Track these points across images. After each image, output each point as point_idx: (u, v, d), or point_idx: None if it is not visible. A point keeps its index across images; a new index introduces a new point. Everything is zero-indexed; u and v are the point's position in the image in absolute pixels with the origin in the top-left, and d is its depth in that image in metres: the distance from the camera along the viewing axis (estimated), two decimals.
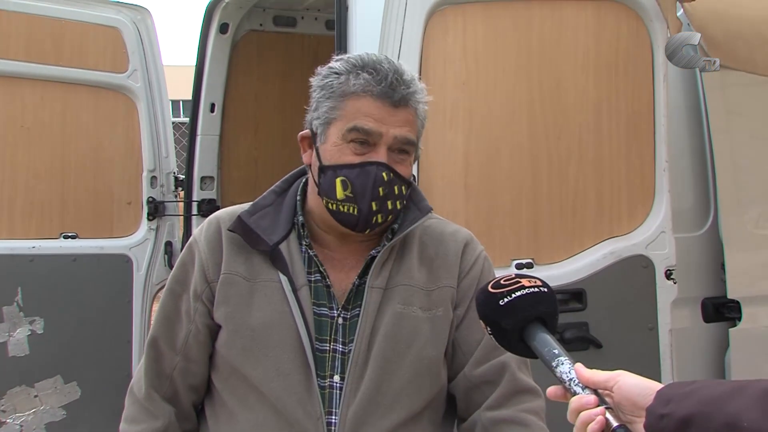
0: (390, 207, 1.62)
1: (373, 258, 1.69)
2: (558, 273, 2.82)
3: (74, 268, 3.86)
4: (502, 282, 1.31)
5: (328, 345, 1.64)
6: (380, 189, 1.58)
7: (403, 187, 1.64)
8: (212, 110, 4.12)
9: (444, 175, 2.72)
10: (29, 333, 3.74)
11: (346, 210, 1.60)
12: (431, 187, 2.68)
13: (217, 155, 4.20)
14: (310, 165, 1.70)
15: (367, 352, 1.64)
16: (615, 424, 1.08)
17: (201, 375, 1.75)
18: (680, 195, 3.04)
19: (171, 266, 4.04)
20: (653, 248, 2.87)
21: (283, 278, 1.64)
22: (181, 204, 4.22)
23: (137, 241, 4.06)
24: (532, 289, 1.29)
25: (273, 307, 1.63)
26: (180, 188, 4.21)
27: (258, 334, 1.63)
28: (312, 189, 1.70)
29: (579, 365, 1.17)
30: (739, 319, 3.21)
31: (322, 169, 1.63)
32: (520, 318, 1.26)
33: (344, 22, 2.89)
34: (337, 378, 1.63)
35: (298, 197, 1.73)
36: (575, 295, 2.82)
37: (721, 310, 3.20)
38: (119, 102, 4.04)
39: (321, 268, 1.68)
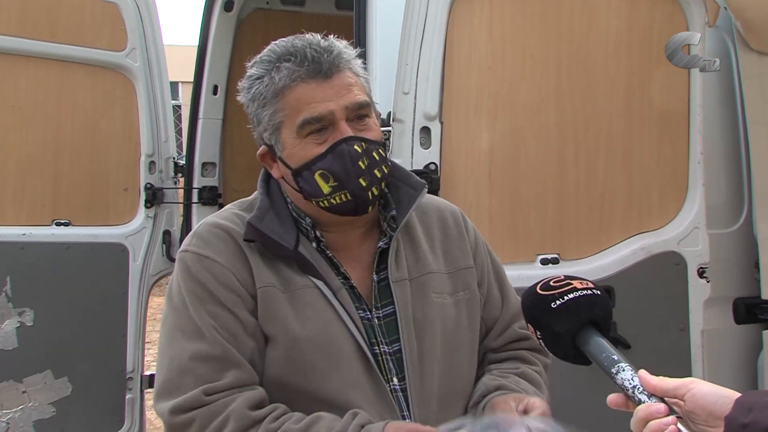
0: (379, 175, 1.62)
1: (383, 250, 1.69)
2: (585, 269, 2.83)
3: (67, 257, 3.84)
4: (551, 284, 1.31)
5: (378, 348, 1.64)
6: (360, 163, 1.58)
7: (380, 150, 1.63)
8: (215, 92, 4.11)
9: (467, 165, 2.73)
10: (18, 325, 3.73)
11: (338, 200, 1.60)
12: (453, 177, 2.69)
13: (220, 140, 4.20)
14: (283, 178, 1.67)
15: (419, 349, 1.65)
16: None
17: None
18: (713, 189, 3.04)
19: (169, 257, 4.04)
20: (686, 244, 2.89)
21: (319, 282, 1.62)
22: (181, 191, 4.21)
23: (134, 230, 4.05)
24: (585, 291, 1.29)
25: (321, 315, 1.61)
26: (180, 174, 4.20)
27: (317, 347, 1.59)
28: (295, 196, 1.68)
29: (644, 372, 1.17)
30: None
31: (296, 173, 1.61)
32: (575, 321, 1.26)
33: (363, 2, 2.88)
34: (396, 380, 1.63)
35: (288, 199, 1.70)
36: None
37: (754, 311, 3.21)
38: (117, 82, 4.02)
39: (342, 269, 1.68)
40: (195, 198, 4.13)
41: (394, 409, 1.60)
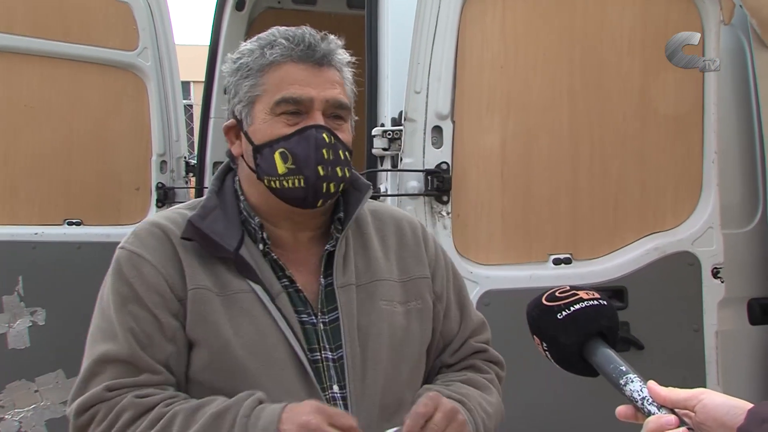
0: (340, 174, 1.59)
1: (331, 254, 1.65)
2: (598, 269, 2.83)
3: (78, 257, 3.85)
4: (557, 294, 1.29)
5: (319, 354, 1.60)
6: (324, 151, 1.55)
7: (347, 153, 1.60)
8: (226, 92, 4.10)
9: (479, 164, 2.72)
10: (30, 324, 3.75)
11: (290, 184, 1.56)
12: (465, 177, 2.68)
13: None
14: (241, 155, 1.64)
15: (361, 356, 1.61)
16: None
17: None
18: (727, 188, 3.03)
19: None
20: (700, 244, 2.88)
21: (256, 287, 1.57)
22: (192, 190, 4.21)
23: None
24: (591, 302, 1.27)
25: (256, 320, 1.56)
26: (191, 174, 4.21)
27: (249, 353, 1.54)
28: (249, 180, 1.64)
29: (653, 383, 1.15)
30: None
31: (257, 149, 1.58)
32: (582, 332, 1.24)
33: (375, 0, 2.88)
34: (336, 388, 1.59)
35: (242, 197, 1.66)
36: (616, 292, 2.82)
37: None
38: (128, 81, 4.04)
39: (287, 272, 1.63)
40: None
41: None
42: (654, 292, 2.85)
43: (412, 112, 2.62)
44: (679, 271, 2.87)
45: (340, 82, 1.61)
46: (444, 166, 2.65)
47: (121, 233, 3.85)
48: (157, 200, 4.08)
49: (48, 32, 3.81)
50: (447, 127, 2.65)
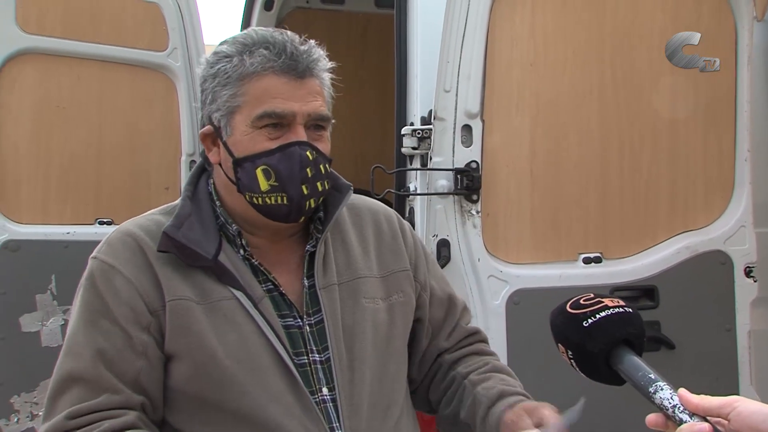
0: (320, 189, 1.57)
1: (312, 254, 1.64)
2: (628, 268, 2.81)
3: None
4: (581, 302, 1.27)
5: (306, 357, 1.59)
6: (308, 170, 1.53)
7: (327, 165, 1.59)
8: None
9: (508, 163, 2.71)
10: (62, 323, 3.78)
11: (273, 201, 1.54)
12: (494, 175, 2.68)
13: None
14: (219, 163, 1.60)
15: (348, 356, 1.60)
16: None
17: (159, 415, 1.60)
18: (760, 186, 3.00)
19: None
20: (732, 243, 2.85)
21: (238, 293, 1.55)
22: None
23: None
24: (617, 309, 1.25)
25: (240, 328, 1.54)
26: None
27: (236, 361, 1.52)
28: (227, 189, 1.61)
29: (684, 390, 1.14)
30: None
31: (237, 162, 1.54)
32: (608, 340, 1.23)
33: None
34: (325, 390, 1.58)
35: (217, 202, 1.63)
36: (646, 292, 2.81)
37: None
38: (158, 82, 4.08)
39: (270, 276, 1.61)
40: None
41: (321, 422, 1.53)
42: (685, 292, 2.83)
43: (442, 111, 2.62)
44: (711, 270, 2.84)
45: (320, 91, 1.57)
46: (473, 165, 2.65)
47: None
48: None
49: (79, 33, 3.86)
50: (476, 126, 2.64)
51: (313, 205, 1.58)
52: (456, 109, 2.62)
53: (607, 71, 2.79)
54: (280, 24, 4.17)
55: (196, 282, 1.54)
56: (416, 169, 2.72)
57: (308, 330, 1.60)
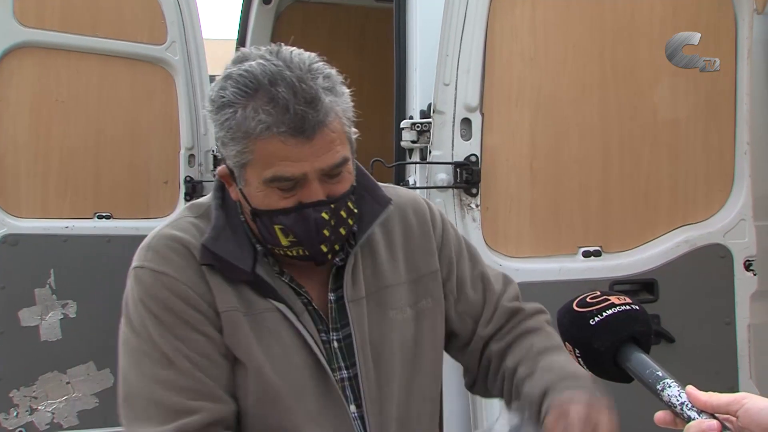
0: (343, 232, 1.51)
1: (339, 267, 1.59)
2: (628, 262, 2.81)
3: (108, 250, 3.87)
4: (588, 300, 1.27)
5: (337, 373, 1.56)
6: (325, 231, 1.46)
7: (349, 204, 1.50)
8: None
9: (508, 157, 2.71)
10: (62, 317, 3.78)
11: (295, 253, 1.49)
12: (494, 168, 2.67)
13: None
14: (239, 201, 1.54)
15: (375, 373, 1.57)
16: None
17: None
18: (760, 180, 2.99)
19: None
20: (731, 237, 2.85)
21: (280, 305, 1.52)
22: None
23: None
24: (623, 307, 1.25)
25: (283, 341, 1.51)
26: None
27: (280, 377, 1.50)
28: (252, 225, 1.55)
29: (691, 387, 1.13)
30: None
31: (255, 213, 1.48)
32: (616, 338, 1.22)
33: None
34: (353, 407, 1.56)
35: (242, 217, 1.57)
36: (646, 285, 2.81)
37: None
38: (157, 75, 4.06)
39: (301, 290, 1.57)
40: None
41: None
42: (685, 285, 2.82)
43: (441, 105, 2.62)
44: (711, 263, 2.84)
45: (335, 137, 1.43)
46: (473, 159, 2.64)
47: (149, 226, 3.86)
48: (186, 194, 4.10)
49: (77, 27, 3.83)
50: (476, 120, 2.64)
51: (337, 248, 1.52)
52: (455, 102, 2.61)
53: (608, 65, 2.78)
54: (278, 18, 4.16)
55: (240, 291, 1.51)
56: (415, 163, 2.72)
57: (336, 345, 1.57)
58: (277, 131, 1.37)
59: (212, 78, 4.63)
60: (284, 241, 1.47)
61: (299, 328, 1.51)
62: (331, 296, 1.59)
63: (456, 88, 2.61)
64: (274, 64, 1.39)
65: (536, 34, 2.71)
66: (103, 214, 3.96)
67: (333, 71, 1.46)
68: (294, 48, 1.46)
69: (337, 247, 1.52)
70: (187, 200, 4.10)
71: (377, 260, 1.63)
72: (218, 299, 1.49)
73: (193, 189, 4.11)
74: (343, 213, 1.49)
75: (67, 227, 3.84)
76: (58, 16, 3.80)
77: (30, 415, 3.70)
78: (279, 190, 1.43)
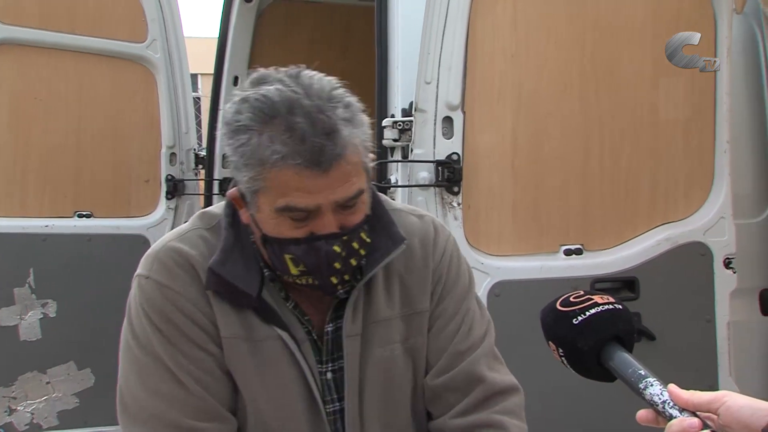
0: (354, 263, 1.47)
1: (341, 299, 1.56)
2: (609, 260, 2.81)
3: (89, 249, 3.86)
4: (571, 299, 1.27)
5: (329, 406, 1.57)
6: (336, 264, 1.42)
7: (362, 235, 1.46)
8: (235, 83, 4.10)
9: (489, 155, 2.70)
10: (41, 316, 3.76)
11: (305, 282, 1.46)
12: (475, 166, 2.67)
13: None
14: (249, 225, 1.50)
15: (359, 408, 1.56)
16: None
17: None
18: (739, 178, 3.01)
19: None
20: (712, 235, 2.86)
21: (284, 334, 1.49)
22: (202, 182, 4.22)
23: (155, 221, 4.07)
24: (606, 306, 1.25)
25: (281, 372, 1.50)
26: (200, 166, 4.21)
27: (273, 407, 1.50)
28: (262, 249, 1.52)
29: (673, 386, 1.14)
30: None
31: (266, 239, 1.45)
32: (599, 337, 1.23)
33: None
34: None
35: (251, 238, 1.53)
36: (627, 283, 2.81)
37: None
38: (137, 74, 4.04)
39: (303, 318, 1.55)
40: (216, 189, 4.13)
41: None
42: (665, 283, 2.83)
43: (423, 103, 2.61)
44: (691, 261, 2.85)
45: (351, 169, 1.38)
46: (455, 157, 2.63)
47: (130, 225, 3.97)
48: (167, 192, 4.09)
49: (57, 24, 3.81)
50: (457, 118, 2.63)
51: (347, 278, 1.49)
52: (437, 100, 2.60)
53: (588, 63, 2.78)
54: (260, 17, 4.14)
55: (244, 316, 1.50)
56: (397, 161, 2.71)
57: (329, 377, 1.56)
58: (293, 162, 1.32)
59: (192, 76, 4.62)
60: (294, 270, 1.44)
61: (299, 359, 1.50)
62: (329, 327, 1.56)
63: (438, 86, 2.60)
64: (294, 91, 1.34)
65: (518, 31, 2.71)
66: (84, 213, 3.93)
67: (353, 99, 1.41)
68: (315, 72, 1.40)
69: (346, 277, 1.48)
70: (168, 199, 4.09)
71: (373, 292, 1.59)
72: (221, 324, 1.48)
73: (175, 188, 4.10)
74: (355, 244, 1.45)
75: (46, 226, 3.82)
76: (36, 13, 3.77)
77: (9, 415, 3.67)
78: (291, 219, 1.39)
